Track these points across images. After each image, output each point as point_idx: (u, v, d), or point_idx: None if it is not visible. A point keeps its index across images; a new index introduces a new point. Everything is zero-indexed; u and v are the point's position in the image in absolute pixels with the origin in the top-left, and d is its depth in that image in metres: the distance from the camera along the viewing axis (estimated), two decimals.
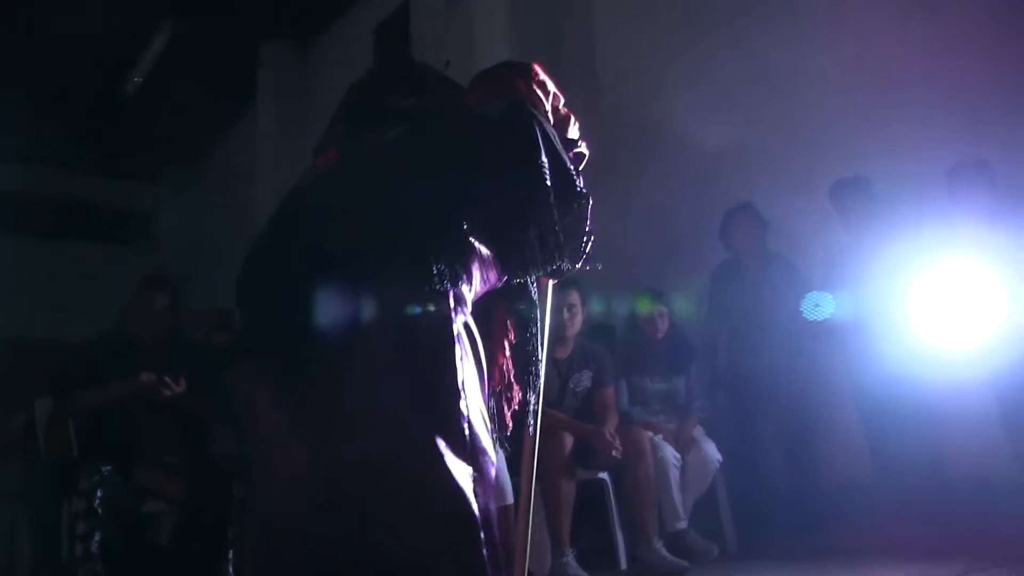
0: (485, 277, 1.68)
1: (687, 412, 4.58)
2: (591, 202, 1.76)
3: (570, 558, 3.78)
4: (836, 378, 4.48)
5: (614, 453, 3.98)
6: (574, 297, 4.21)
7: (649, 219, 5.61)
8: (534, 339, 1.87)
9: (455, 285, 1.54)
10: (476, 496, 1.47)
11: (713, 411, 4.72)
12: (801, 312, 4.49)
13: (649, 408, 4.57)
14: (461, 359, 1.52)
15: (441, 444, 1.45)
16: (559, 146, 1.74)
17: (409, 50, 1.81)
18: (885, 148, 4.45)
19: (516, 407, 1.90)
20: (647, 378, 4.59)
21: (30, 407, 3.85)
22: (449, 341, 1.51)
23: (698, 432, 4.49)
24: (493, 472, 1.58)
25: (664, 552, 3.97)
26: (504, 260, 1.69)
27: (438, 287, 1.51)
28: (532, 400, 1.89)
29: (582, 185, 1.76)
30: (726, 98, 5.15)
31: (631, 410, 4.49)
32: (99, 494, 3.03)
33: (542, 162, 1.66)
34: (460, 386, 1.50)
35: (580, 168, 1.92)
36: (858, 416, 4.38)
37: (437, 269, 1.52)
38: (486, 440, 1.57)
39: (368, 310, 1.50)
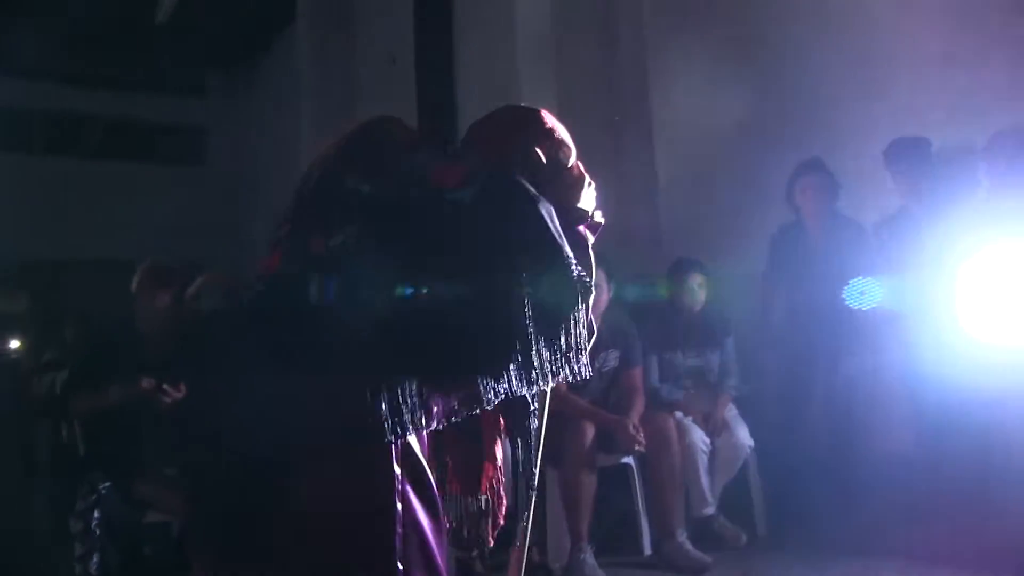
0: (445, 405, 1.48)
1: (720, 390, 4.36)
2: (591, 292, 1.54)
3: (587, 555, 3.67)
4: (891, 360, 4.21)
5: (637, 447, 3.83)
6: (599, 275, 3.97)
7: (692, 182, 5.34)
8: (530, 450, 1.69)
9: (400, 432, 1.38)
10: None
11: (757, 383, 4.50)
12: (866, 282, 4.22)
13: (679, 384, 4.37)
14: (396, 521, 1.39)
15: None
16: (555, 231, 1.49)
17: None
18: (944, 111, 4.06)
19: (501, 521, 1.78)
20: (679, 353, 4.38)
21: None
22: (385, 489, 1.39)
23: (731, 413, 4.29)
24: None
25: (688, 546, 3.84)
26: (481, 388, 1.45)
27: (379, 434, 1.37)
28: (524, 518, 1.73)
29: (583, 272, 1.52)
30: (777, 51, 4.77)
31: (660, 387, 4.30)
32: (96, 515, 3.00)
33: (519, 273, 1.43)
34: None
35: (596, 238, 1.74)
36: (910, 406, 4.13)
37: (377, 412, 1.35)
38: None
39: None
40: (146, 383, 3.28)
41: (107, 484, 3.09)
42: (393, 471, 1.40)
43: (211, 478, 1.55)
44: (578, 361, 1.49)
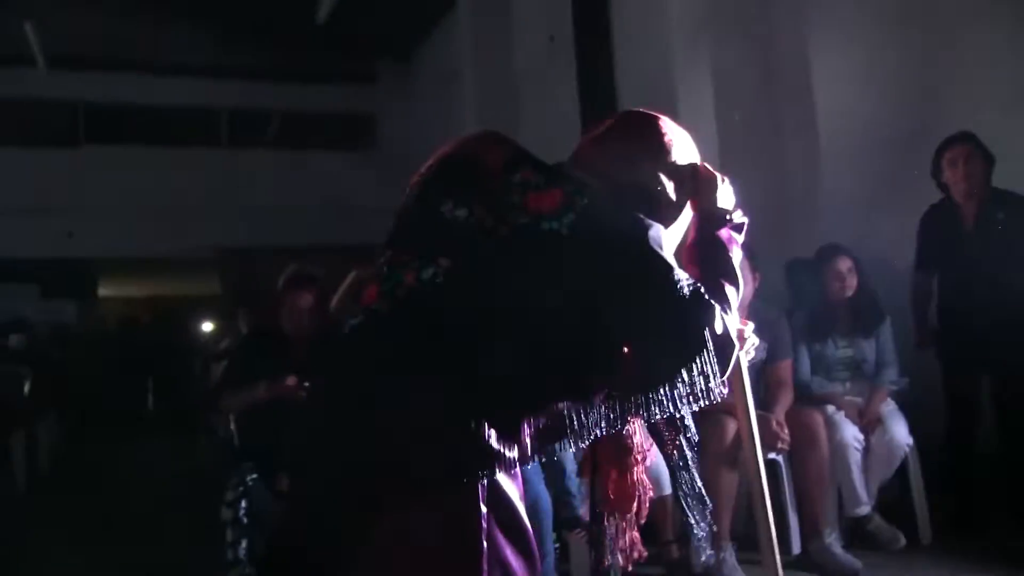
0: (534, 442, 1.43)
1: (877, 383, 4.11)
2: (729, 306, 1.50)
3: (728, 554, 3.57)
4: None
5: (780, 445, 3.68)
6: (743, 266, 3.83)
7: (854, 170, 5.07)
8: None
9: (490, 471, 1.37)
10: None
11: (914, 378, 4.21)
12: None
13: (832, 376, 4.16)
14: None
15: None
16: (659, 258, 1.43)
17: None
18: None
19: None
20: (830, 342, 4.16)
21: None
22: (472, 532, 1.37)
23: (888, 408, 4.04)
24: None
25: (836, 548, 3.67)
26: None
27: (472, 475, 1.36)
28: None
29: (698, 288, 1.44)
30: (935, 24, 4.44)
31: (811, 380, 4.11)
32: (243, 505, 3.18)
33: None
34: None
35: (741, 237, 1.70)
36: None
37: (469, 452, 1.35)
38: None
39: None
40: (290, 381, 3.43)
41: (254, 476, 3.26)
42: (479, 511, 1.37)
43: (300, 503, 1.59)
44: (716, 379, 1.42)
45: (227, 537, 3.19)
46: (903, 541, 3.87)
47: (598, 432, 1.44)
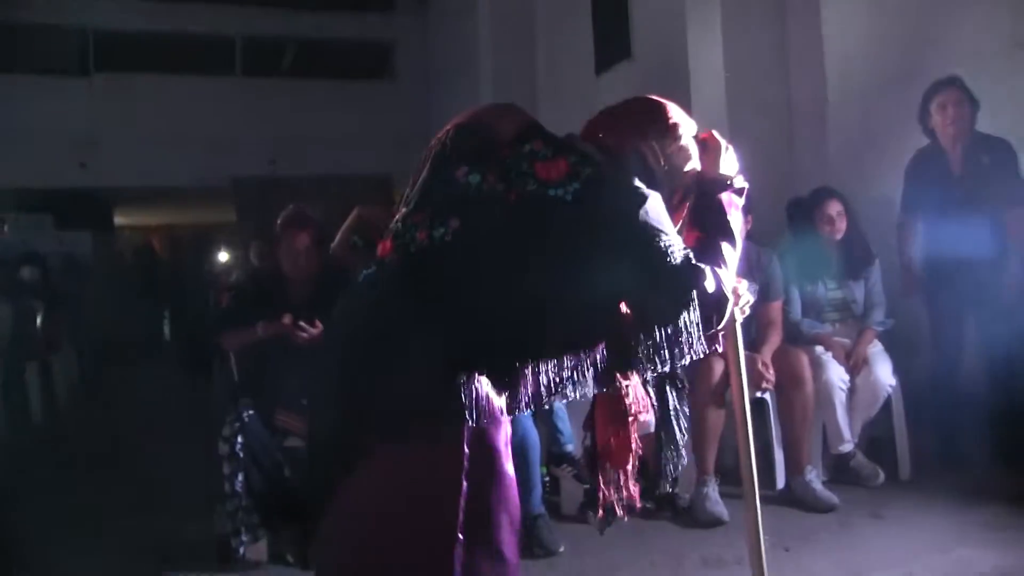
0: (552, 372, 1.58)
1: (865, 324, 4.18)
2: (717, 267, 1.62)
3: (711, 488, 3.70)
4: None
5: (765, 385, 3.78)
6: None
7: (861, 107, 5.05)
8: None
9: (476, 419, 1.50)
10: None
11: (901, 319, 4.27)
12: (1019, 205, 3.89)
13: (822, 317, 4.22)
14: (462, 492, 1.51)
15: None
16: (656, 230, 1.55)
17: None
18: None
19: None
20: (821, 284, 4.22)
21: None
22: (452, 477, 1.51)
23: (875, 349, 4.11)
24: None
25: (816, 484, 3.79)
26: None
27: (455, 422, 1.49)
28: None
29: (689, 256, 1.57)
30: None
31: (801, 321, 4.18)
32: (239, 440, 3.31)
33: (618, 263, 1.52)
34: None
35: (741, 201, 1.83)
36: None
37: (456, 401, 1.47)
38: None
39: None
40: (287, 320, 3.54)
41: (251, 412, 3.39)
42: (463, 453, 1.50)
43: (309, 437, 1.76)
44: (701, 341, 1.56)
45: (223, 470, 3.32)
46: (882, 477, 3.99)
47: (592, 387, 1.59)
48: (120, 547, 3.62)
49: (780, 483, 3.94)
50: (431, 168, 1.67)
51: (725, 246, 1.70)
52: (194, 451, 4.05)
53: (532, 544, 3.35)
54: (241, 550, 3.33)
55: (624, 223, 1.53)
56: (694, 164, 1.81)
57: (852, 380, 4.03)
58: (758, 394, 3.90)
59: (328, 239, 3.78)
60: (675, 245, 1.54)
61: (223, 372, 4.00)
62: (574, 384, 1.57)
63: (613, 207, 1.54)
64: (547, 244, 1.50)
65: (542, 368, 1.54)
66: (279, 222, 3.76)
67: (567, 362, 1.55)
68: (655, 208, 1.56)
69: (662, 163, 1.73)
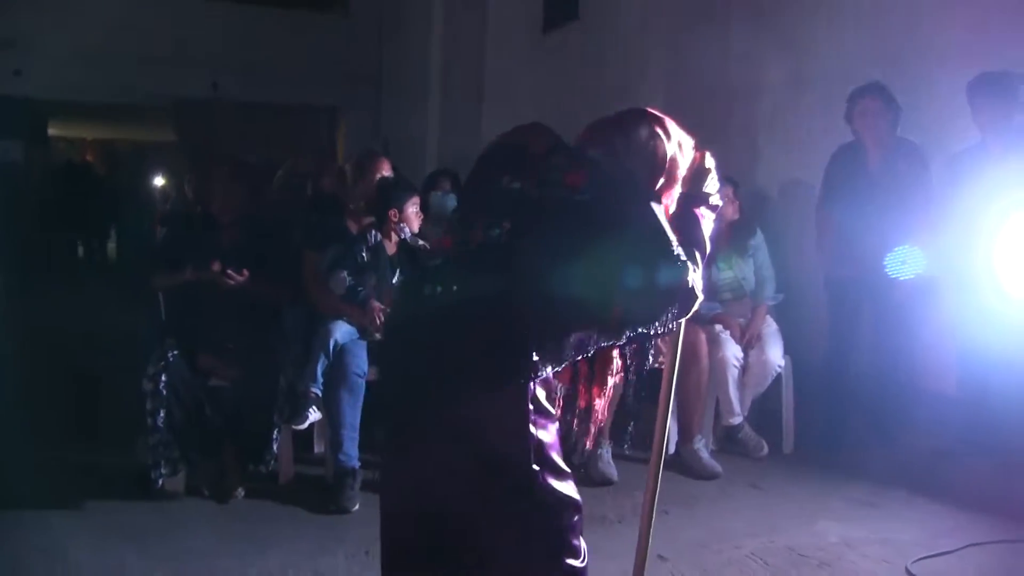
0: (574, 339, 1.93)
1: (757, 301, 4.49)
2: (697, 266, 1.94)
3: (605, 451, 3.98)
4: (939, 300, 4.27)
5: (661, 358, 4.04)
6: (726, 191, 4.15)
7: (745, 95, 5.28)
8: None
9: (535, 377, 1.87)
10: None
11: (797, 300, 4.59)
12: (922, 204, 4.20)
13: (717, 298, 4.49)
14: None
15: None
16: (659, 223, 1.89)
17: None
18: None
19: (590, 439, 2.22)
20: (714, 267, 4.47)
21: None
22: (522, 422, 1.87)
23: (768, 329, 4.42)
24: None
25: (703, 453, 4.11)
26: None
27: (521, 381, 1.85)
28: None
29: (680, 252, 1.89)
30: None
31: (700, 305, 4.43)
32: (163, 378, 3.48)
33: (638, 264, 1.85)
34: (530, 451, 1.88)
35: (712, 215, 2.12)
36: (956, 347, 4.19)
37: (520, 367, 1.85)
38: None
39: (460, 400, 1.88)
40: (216, 267, 3.69)
41: (175, 352, 3.56)
42: (528, 404, 1.87)
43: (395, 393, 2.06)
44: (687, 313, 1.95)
45: (147, 405, 3.49)
46: (766, 450, 4.33)
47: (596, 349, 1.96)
48: (40, 475, 3.74)
49: (671, 450, 4.24)
50: (480, 175, 2.07)
51: (696, 253, 2.02)
52: (121, 382, 4.17)
53: None
54: (160, 482, 3.53)
55: (633, 221, 1.88)
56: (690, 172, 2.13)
57: (745, 358, 4.33)
58: (655, 365, 4.17)
59: (262, 184, 3.92)
60: (676, 247, 1.89)
61: (151, 309, 4.14)
62: (590, 348, 1.94)
63: (623, 208, 1.90)
64: (577, 240, 1.85)
65: (574, 337, 1.91)
66: (213, 173, 3.88)
67: (592, 332, 1.92)
68: (657, 210, 1.91)
69: (657, 176, 2.05)
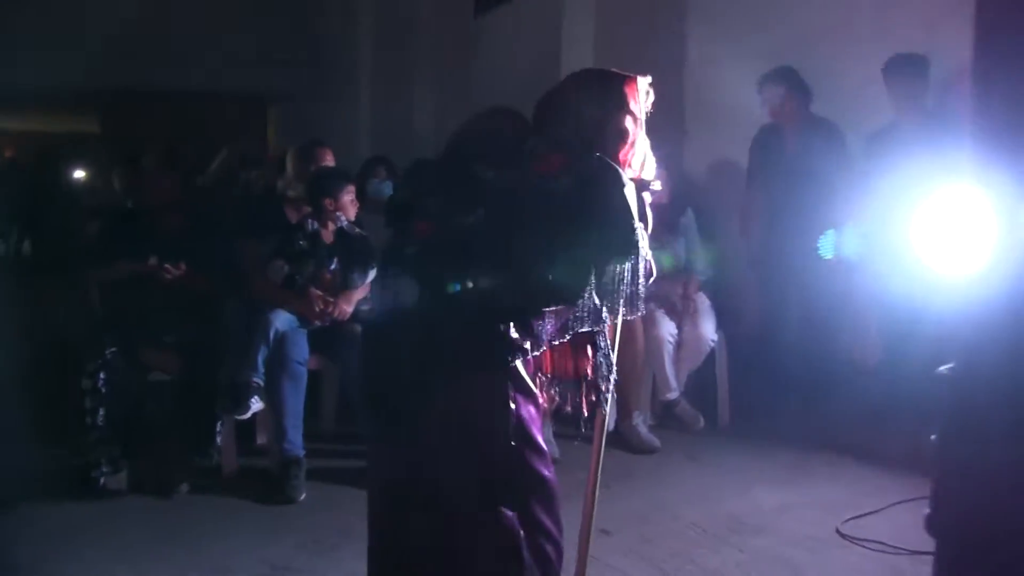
0: (552, 323, 2.04)
1: (689, 276, 4.59)
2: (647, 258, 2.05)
3: (547, 428, 4.04)
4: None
5: None
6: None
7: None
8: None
9: (514, 358, 1.98)
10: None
11: (728, 280, 4.72)
12: (841, 183, 4.34)
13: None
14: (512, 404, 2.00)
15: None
16: (631, 210, 1.98)
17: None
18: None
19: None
20: None
21: None
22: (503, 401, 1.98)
23: (701, 304, 4.53)
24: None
25: (641, 429, 4.22)
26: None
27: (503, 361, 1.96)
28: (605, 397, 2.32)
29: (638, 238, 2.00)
30: None
31: None
32: (102, 375, 3.46)
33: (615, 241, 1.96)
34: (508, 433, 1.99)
35: (650, 198, 2.21)
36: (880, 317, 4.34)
37: (501, 345, 1.96)
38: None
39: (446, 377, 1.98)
40: (151, 262, 3.66)
41: (113, 349, 3.53)
42: (508, 383, 1.98)
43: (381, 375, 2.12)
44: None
45: (85, 404, 3.46)
46: (702, 423, 4.46)
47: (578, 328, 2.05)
48: None
49: (610, 426, 4.33)
50: (453, 161, 2.14)
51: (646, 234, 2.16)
52: (54, 382, 4.12)
53: None
54: (102, 480, 3.50)
55: (606, 207, 1.96)
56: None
57: (680, 334, 4.45)
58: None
59: (195, 173, 3.90)
60: (639, 228, 1.99)
61: (86, 305, 4.09)
62: (571, 327, 2.03)
63: (602, 195, 1.97)
64: (550, 224, 1.93)
65: (551, 317, 2.02)
66: (146, 161, 3.85)
67: (569, 311, 2.01)
68: (632, 193, 1.99)
69: (626, 127, 2.12)
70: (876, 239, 4.23)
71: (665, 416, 4.53)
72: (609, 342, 2.31)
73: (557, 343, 2.11)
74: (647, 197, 2.19)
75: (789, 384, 4.59)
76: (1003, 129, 1.10)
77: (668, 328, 4.40)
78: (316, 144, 4.56)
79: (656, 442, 4.18)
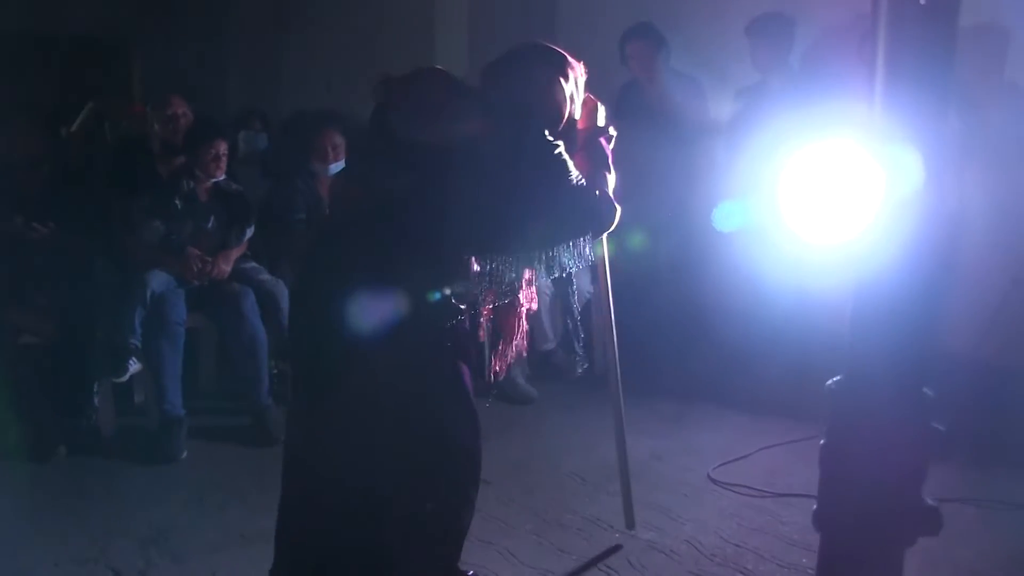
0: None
1: None
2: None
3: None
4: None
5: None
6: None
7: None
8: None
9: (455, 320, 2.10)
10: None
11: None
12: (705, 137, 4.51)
13: None
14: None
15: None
16: (565, 171, 2.07)
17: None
18: None
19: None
20: None
21: None
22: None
23: None
24: None
25: (519, 380, 4.35)
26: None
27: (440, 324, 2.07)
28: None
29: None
30: None
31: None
32: None
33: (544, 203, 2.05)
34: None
35: (611, 144, 2.36)
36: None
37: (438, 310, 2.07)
38: None
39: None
40: (18, 219, 3.53)
41: None
42: (448, 342, 2.14)
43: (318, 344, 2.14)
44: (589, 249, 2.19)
45: None
46: (579, 371, 4.60)
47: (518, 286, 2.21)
48: None
49: (490, 380, 4.46)
50: (379, 127, 2.14)
51: (608, 176, 2.29)
52: None
53: (260, 433, 3.66)
54: None
55: (537, 163, 2.04)
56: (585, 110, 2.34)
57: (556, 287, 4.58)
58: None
59: (59, 126, 3.76)
60: (575, 176, 2.08)
61: None
62: (509, 284, 2.17)
63: (528, 152, 2.04)
64: (480, 186, 1.98)
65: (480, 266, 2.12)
66: (10, 118, 3.68)
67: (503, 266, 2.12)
68: (558, 148, 2.08)
69: (564, 100, 2.22)
70: (749, 204, 4.44)
71: (542, 366, 4.68)
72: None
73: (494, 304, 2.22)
74: (605, 143, 2.34)
75: (665, 336, 4.78)
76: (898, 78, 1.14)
77: (544, 281, 4.51)
78: (165, 94, 4.37)
79: (534, 392, 4.33)
